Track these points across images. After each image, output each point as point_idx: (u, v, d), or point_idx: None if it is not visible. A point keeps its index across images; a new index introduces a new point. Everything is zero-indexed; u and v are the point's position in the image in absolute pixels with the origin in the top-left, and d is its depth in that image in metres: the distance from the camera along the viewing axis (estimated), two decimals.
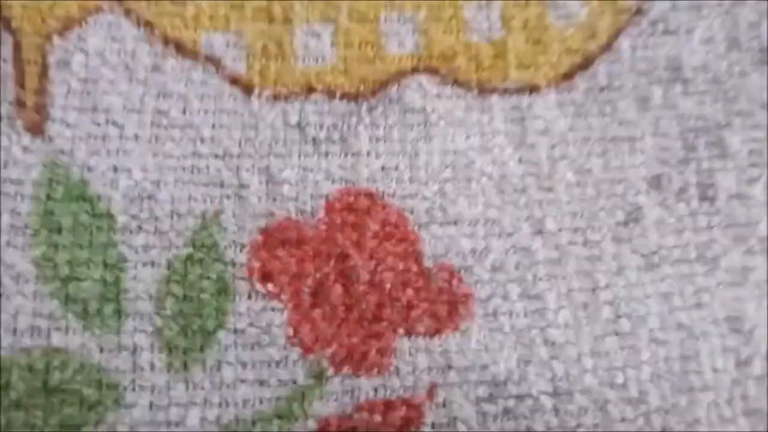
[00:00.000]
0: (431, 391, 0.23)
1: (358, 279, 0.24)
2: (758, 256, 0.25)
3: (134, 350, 0.23)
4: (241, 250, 0.24)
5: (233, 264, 0.24)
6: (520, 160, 0.26)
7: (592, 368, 0.24)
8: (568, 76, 0.27)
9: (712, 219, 0.25)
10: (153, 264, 0.24)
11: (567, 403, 0.23)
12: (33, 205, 0.24)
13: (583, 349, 0.24)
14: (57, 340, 0.22)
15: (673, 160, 0.26)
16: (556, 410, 0.23)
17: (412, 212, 0.25)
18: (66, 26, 0.26)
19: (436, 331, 0.24)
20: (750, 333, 0.24)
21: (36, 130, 0.25)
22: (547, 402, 0.23)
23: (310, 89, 0.26)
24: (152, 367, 0.23)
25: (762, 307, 0.25)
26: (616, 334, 0.24)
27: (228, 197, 0.25)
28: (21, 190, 0.24)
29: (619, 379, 0.23)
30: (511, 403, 0.23)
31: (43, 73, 0.25)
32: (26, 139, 0.24)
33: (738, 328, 0.24)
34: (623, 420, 0.23)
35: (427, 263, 0.24)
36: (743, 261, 0.25)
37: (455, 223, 0.25)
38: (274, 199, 0.25)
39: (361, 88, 0.26)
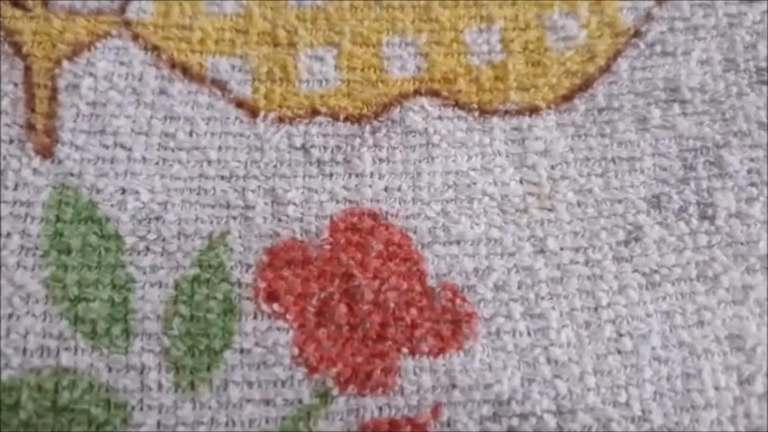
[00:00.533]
0: (435, 410, 0.23)
1: (362, 298, 0.24)
2: (758, 275, 0.25)
3: (142, 370, 0.23)
4: (247, 271, 0.24)
5: (239, 284, 0.24)
6: (521, 181, 0.26)
7: (594, 387, 0.24)
8: (567, 97, 0.27)
9: (712, 238, 0.26)
10: (160, 284, 0.24)
11: (570, 422, 0.23)
12: (42, 227, 0.24)
13: (586, 368, 0.24)
14: (66, 360, 0.23)
15: (673, 180, 0.26)
16: (559, 429, 0.23)
17: (415, 232, 0.25)
18: (75, 51, 0.26)
19: (440, 351, 0.24)
20: (752, 351, 0.24)
21: (46, 152, 0.25)
22: (551, 421, 0.23)
23: (315, 112, 0.27)
24: (160, 386, 0.23)
25: (763, 325, 0.25)
26: (619, 352, 0.24)
27: (234, 218, 0.25)
28: (31, 211, 0.24)
29: (622, 398, 0.24)
30: (514, 421, 0.23)
31: (53, 96, 0.26)
32: (36, 161, 0.25)
33: (740, 347, 0.24)
34: None
35: (431, 282, 0.25)
36: (744, 279, 0.25)
37: (458, 242, 0.25)
38: (279, 220, 0.25)
39: (365, 110, 0.27)
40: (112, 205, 0.25)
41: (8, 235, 0.24)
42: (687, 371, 0.24)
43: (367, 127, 0.27)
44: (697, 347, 0.24)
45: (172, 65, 0.27)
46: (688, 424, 0.24)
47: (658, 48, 0.28)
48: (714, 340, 0.24)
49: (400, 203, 0.26)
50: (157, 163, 0.25)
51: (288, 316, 0.24)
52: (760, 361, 0.24)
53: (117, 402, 0.23)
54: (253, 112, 0.26)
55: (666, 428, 0.24)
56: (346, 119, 0.27)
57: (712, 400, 0.24)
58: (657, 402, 0.24)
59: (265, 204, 0.25)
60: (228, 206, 0.25)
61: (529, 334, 0.24)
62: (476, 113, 0.27)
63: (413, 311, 0.24)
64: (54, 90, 0.26)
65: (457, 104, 0.27)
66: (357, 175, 0.26)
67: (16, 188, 0.24)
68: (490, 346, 0.24)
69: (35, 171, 0.25)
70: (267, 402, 0.23)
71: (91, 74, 0.26)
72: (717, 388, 0.24)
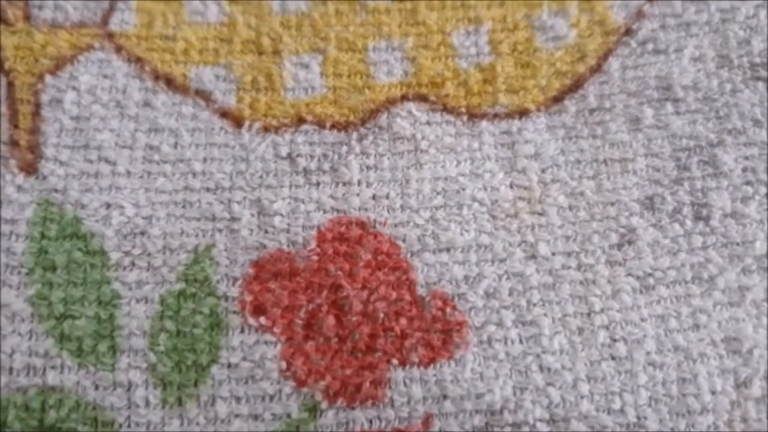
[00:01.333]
0: (426, 422, 0.23)
1: (350, 309, 0.24)
2: (755, 275, 0.25)
3: (129, 387, 0.23)
4: (233, 284, 0.24)
5: (226, 298, 0.24)
6: (512, 185, 0.26)
7: (588, 394, 0.23)
8: (557, 99, 0.27)
9: (707, 239, 0.25)
10: (146, 300, 0.24)
11: (564, 430, 0.23)
12: (27, 244, 0.24)
13: (579, 375, 0.23)
14: (52, 378, 0.23)
15: (666, 181, 0.26)
16: None
17: (404, 240, 0.25)
18: (58, 65, 0.26)
19: (431, 361, 0.23)
20: (749, 354, 0.24)
21: (29, 169, 0.25)
22: (544, 429, 0.23)
23: (301, 120, 0.26)
24: (147, 403, 0.23)
25: (760, 326, 0.24)
26: (613, 358, 0.24)
27: (220, 231, 0.25)
28: (15, 229, 0.24)
29: (616, 405, 0.23)
30: (507, 431, 0.23)
31: (36, 112, 0.26)
32: (20, 178, 0.25)
33: (736, 349, 0.24)
34: None
35: (421, 291, 0.24)
36: (740, 280, 0.25)
37: (448, 250, 0.25)
38: (266, 231, 0.25)
39: (351, 117, 0.26)
40: (96, 221, 0.24)
41: None
42: (682, 376, 0.24)
43: (354, 135, 0.26)
44: (693, 351, 0.24)
45: (156, 77, 0.27)
46: (684, 429, 0.23)
47: (649, 46, 0.28)
48: (710, 343, 0.24)
49: (388, 211, 0.25)
50: (141, 177, 0.25)
51: (275, 329, 0.23)
52: (757, 363, 0.24)
53: (104, 420, 0.22)
54: (238, 122, 0.26)
55: None
56: (332, 127, 0.26)
57: (709, 405, 0.23)
58: (652, 408, 0.23)
59: (251, 215, 0.25)
60: (213, 219, 0.25)
61: (521, 341, 0.24)
62: (465, 117, 0.27)
63: (403, 321, 0.24)
64: (37, 105, 0.26)
65: (446, 109, 0.27)
66: (344, 184, 0.25)
67: None
68: (481, 354, 0.24)
69: (19, 188, 0.25)
70: (255, 417, 0.23)
71: (74, 88, 0.26)
72: (713, 392, 0.24)
